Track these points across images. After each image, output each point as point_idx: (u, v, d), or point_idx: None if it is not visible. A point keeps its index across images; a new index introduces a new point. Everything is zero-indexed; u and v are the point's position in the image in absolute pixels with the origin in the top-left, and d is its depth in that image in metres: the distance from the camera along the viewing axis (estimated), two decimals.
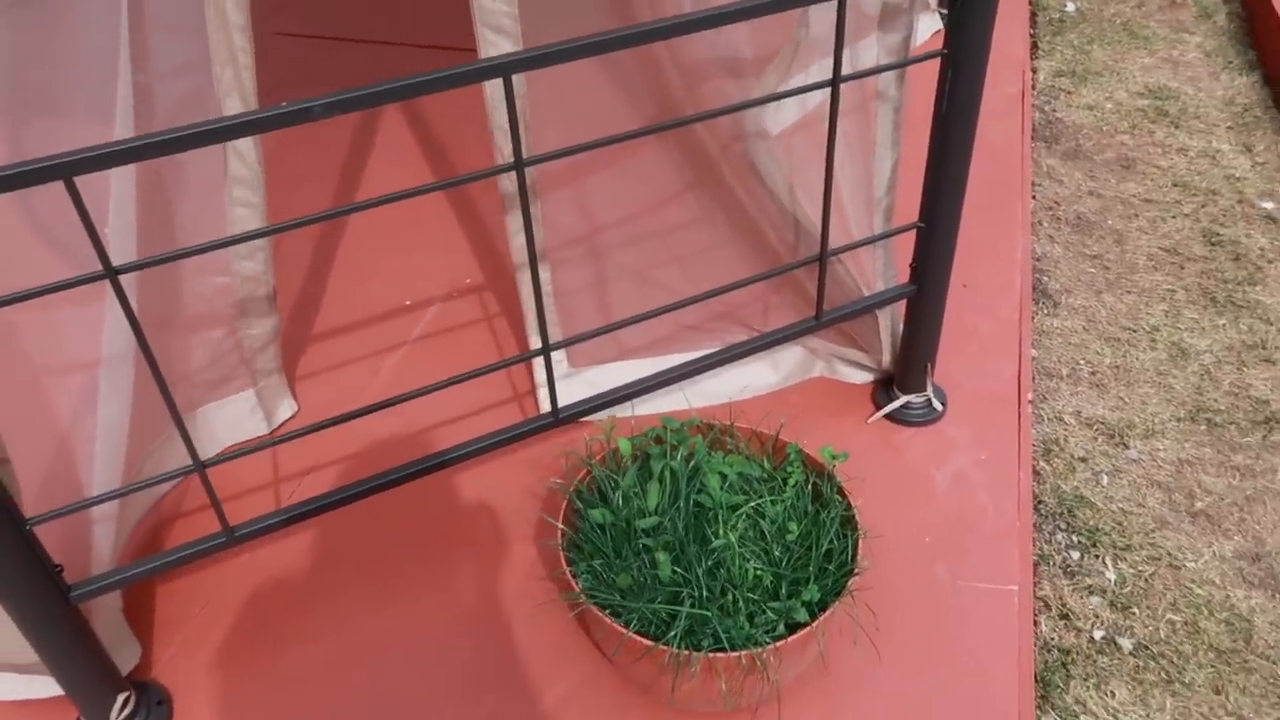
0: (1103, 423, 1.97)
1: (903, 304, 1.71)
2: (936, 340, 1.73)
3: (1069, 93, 3.15)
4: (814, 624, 1.17)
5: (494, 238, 2.27)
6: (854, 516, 1.29)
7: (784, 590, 1.22)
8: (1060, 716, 1.49)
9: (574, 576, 1.25)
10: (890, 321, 1.78)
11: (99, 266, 1.03)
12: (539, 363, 1.78)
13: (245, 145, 1.39)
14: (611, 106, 1.59)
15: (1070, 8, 3.68)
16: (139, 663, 1.44)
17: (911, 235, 1.61)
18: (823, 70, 1.50)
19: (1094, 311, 2.26)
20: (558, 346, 1.39)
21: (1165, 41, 3.43)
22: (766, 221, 1.73)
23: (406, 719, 1.37)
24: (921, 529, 1.60)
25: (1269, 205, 2.59)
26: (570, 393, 1.68)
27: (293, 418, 1.83)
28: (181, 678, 1.44)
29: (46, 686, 1.36)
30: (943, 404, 1.81)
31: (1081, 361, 2.12)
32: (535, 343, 1.70)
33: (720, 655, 1.14)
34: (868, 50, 1.49)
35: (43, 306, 1.14)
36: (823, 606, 1.20)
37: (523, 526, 1.61)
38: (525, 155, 1.21)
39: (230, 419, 1.72)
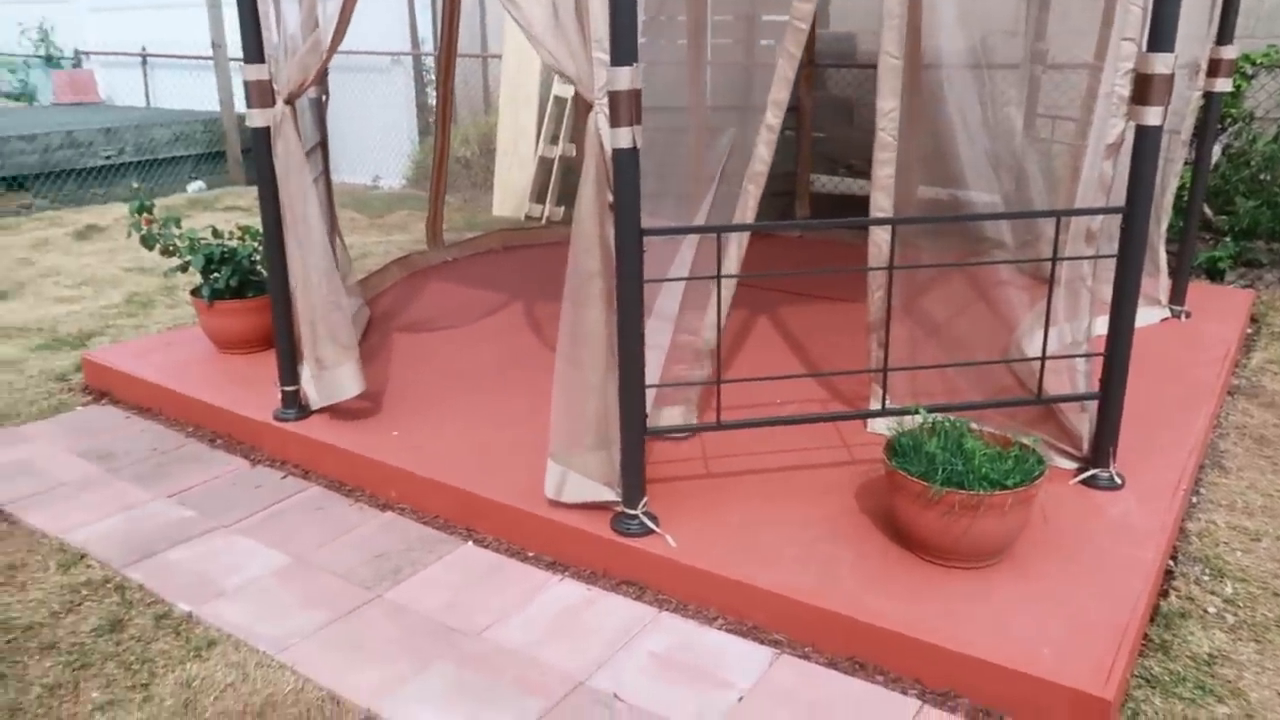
0: (1245, 529, 2.89)
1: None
2: (1115, 433, 2.83)
3: (1275, 374, 4.13)
4: (1009, 491, 2.31)
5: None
6: (1044, 463, 2.43)
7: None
8: (1176, 635, 2.40)
9: (891, 462, 2.47)
10: (1089, 427, 2.90)
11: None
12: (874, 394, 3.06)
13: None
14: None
15: None
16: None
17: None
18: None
19: (1256, 480, 3.18)
20: (893, 370, 2.70)
21: None
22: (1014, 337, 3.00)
23: (785, 554, 2.59)
24: (1099, 530, 2.64)
25: None
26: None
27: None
28: (664, 511, 2.74)
29: (603, 493, 2.71)
30: (1122, 482, 2.86)
31: (1239, 500, 3.05)
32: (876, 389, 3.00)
33: (959, 491, 2.30)
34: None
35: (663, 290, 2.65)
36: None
37: (863, 463, 2.85)
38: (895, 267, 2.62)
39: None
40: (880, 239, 2.85)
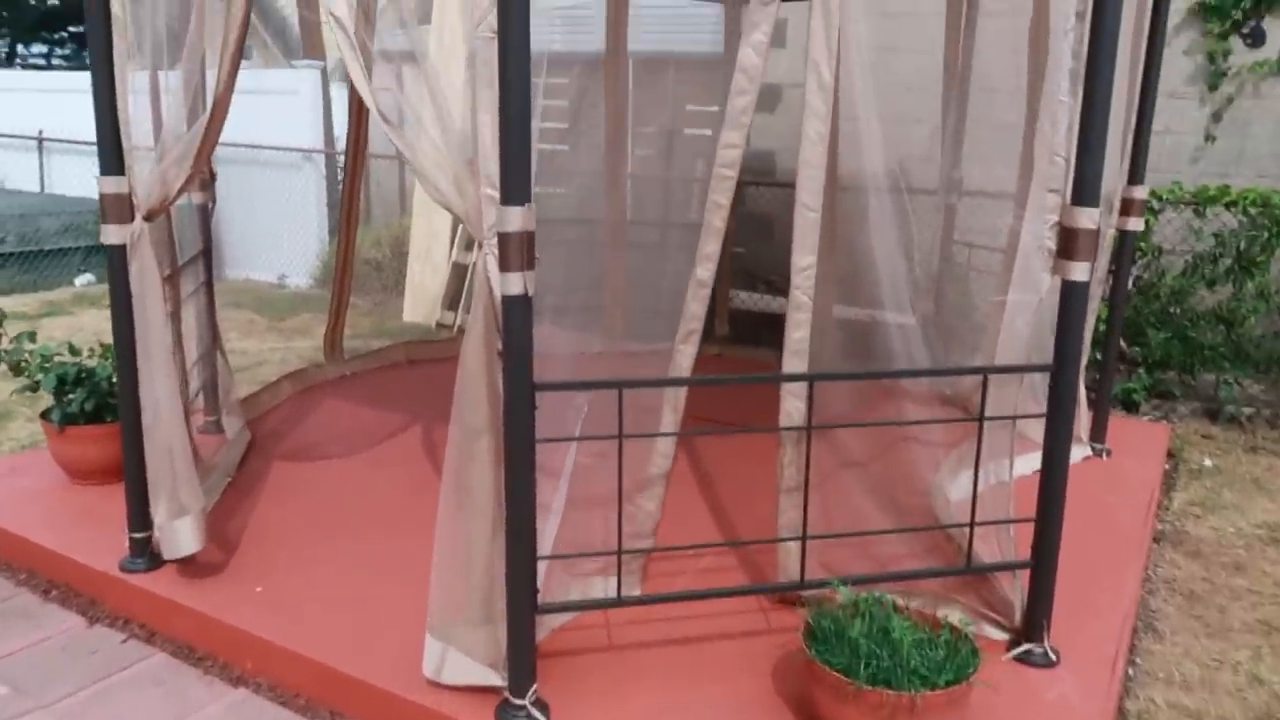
0: (1184, 708, 2.68)
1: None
2: (1049, 607, 2.61)
3: (1198, 517, 4.03)
4: (937, 692, 2.05)
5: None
6: (978, 653, 2.18)
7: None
8: None
9: (810, 650, 2.19)
10: (1020, 596, 2.68)
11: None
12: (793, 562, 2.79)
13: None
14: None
15: (1208, 463, 4.63)
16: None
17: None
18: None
19: (1190, 646, 3.00)
20: (812, 537, 2.45)
21: None
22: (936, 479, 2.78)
23: None
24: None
25: None
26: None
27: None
28: (558, 694, 2.41)
29: (488, 676, 2.37)
30: (1058, 658, 2.63)
31: (1176, 673, 2.85)
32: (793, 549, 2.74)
33: (886, 690, 2.03)
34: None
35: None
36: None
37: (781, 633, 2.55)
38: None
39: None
40: (792, 407, 2.60)
